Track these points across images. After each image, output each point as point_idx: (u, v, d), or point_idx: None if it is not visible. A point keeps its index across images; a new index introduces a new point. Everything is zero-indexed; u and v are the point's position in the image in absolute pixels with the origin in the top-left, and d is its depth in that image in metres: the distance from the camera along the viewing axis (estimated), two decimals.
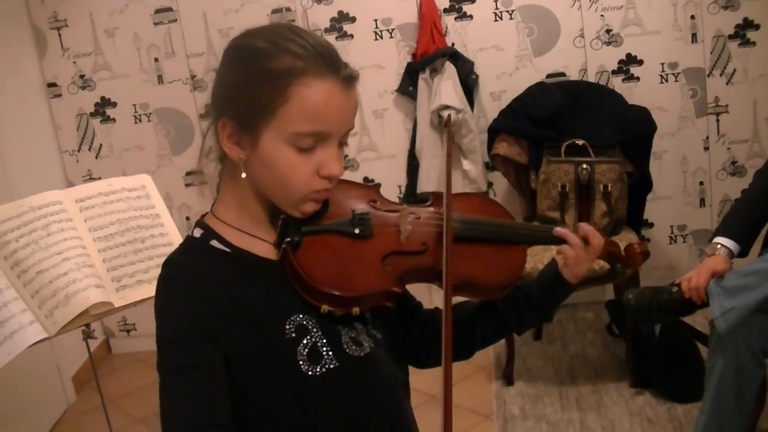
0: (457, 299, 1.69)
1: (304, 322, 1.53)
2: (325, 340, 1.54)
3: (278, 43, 1.47)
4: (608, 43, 4.67)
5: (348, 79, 1.50)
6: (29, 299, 2.70)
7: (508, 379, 4.28)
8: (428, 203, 1.77)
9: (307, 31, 1.53)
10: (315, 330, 1.54)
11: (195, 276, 1.51)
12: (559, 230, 1.79)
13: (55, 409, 4.57)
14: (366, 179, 4.93)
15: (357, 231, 1.60)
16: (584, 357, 4.46)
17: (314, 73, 1.46)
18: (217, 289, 1.49)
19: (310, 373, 1.51)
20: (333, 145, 1.52)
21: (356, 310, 1.54)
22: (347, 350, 1.56)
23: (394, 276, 1.58)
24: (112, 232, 2.95)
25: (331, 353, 1.54)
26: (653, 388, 4.00)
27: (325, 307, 1.51)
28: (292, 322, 1.52)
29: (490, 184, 4.89)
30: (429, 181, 4.68)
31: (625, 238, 4.15)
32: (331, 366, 1.53)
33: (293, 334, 1.51)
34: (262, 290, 1.53)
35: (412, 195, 4.83)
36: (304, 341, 1.52)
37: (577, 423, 3.84)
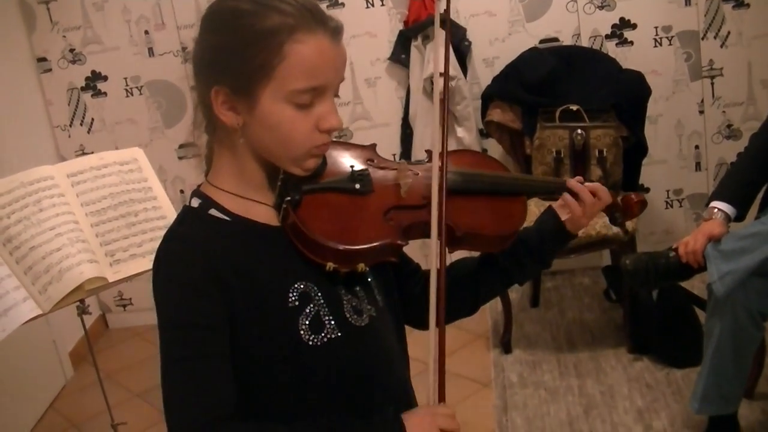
0: (456, 256, 1.70)
1: (308, 290, 1.52)
2: (327, 309, 1.53)
3: (263, 2, 1.46)
4: (601, 7, 4.64)
5: (336, 30, 1.50)
6: (22, 276, 2.69)
7: (505, 346, 4.27)
8: (426, 160, 1.76)
9: None
10: (318, 298, 1.53)
11: (195, 249, 1.49)
12: (572, 183, 1.82)
13: (53, 384, 4.57)
14: None
15: (357, 186, 1.60)
16: (582, 323, 4.46)
17: (305, 29, 1.45)
18: (218, 260, 1.47)
19: (311, 342, 1.50)
20: (329, 98, 1.51)
21: (362, 266, 1.53)
22: (350, 319, 1.56)
23: (396, 229, 1.58)
24: (105, 207, 2.93)
25: (333, 322, 1.53)
26: (651, 354, 4.00)
27: (330, 265, 1.50)
28: (295, 290, 1.51)
29: (484, 151, 4.86)
30: (423, 148, 4.66)
31: None
32: (333, 336, 1.53)
33: (296, 303, 1.50)
34: (263, 258, 1.52)
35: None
36: (307, 310, 1.51)
37: (576, 389, 3.84)
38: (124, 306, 5.30)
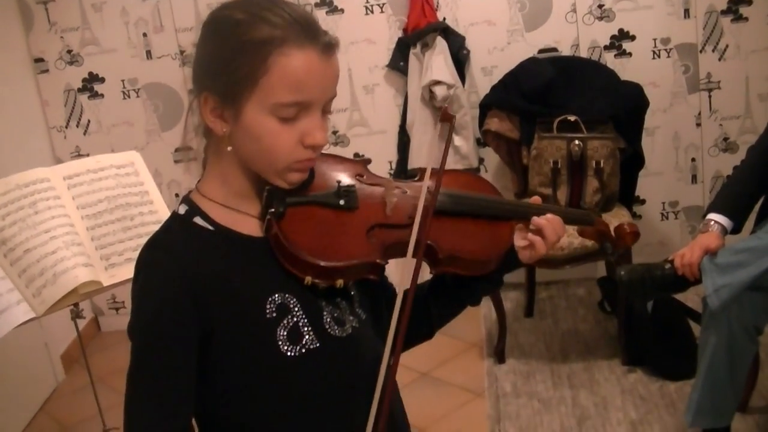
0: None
1: (286, 302, 1.52)
2: (306, 320, 1.53)
3: (256, 14, 1.46)
4: (600, 18, 4.64)
5: (327, 46, 1.49)
6: (17, 278, 2.68)
7: (499, 356, 4.27)
8: (416, 178, 1.75)
9: (284, 1, 1.51)
10: (296, 309, 1.53)
11: (175, 258, 1.50)
12: (537, 221, 1.75)
13: (45, 387, 4.55)
14: (357, 155, 4.90)
15: (342, 202, 1.60)
16: (576, 334, 4.46)
17: (293, 43, 1.44)
18: (196, 273, 1.48)
19: (289, 353, 1.50)
20: (316, 113, 1.51)
21: (340, 282, 1.52)
22: (329, 330, 1.56)
23: (378, 248, 1.57)
24: (101, 210, 2.92)
25: (312, 333, 1.53)
26: (645, 366, 4.00)
27: (309, 279, 1.50)
28: (273, 302, 1.51)
29: (481, 160, 4.87)
30: (420, 156, 4.66)
31: (617, 215, 4.14)
32: (311, 347, 1.52)
33: (274, 314, 1.50)
34: (243, 269, 1.52)
35: (403, 171, 4.81)
36: (285, 321, 1.51)
37: (569, 400, 3.83)
38: (117, 309, 5.28)
